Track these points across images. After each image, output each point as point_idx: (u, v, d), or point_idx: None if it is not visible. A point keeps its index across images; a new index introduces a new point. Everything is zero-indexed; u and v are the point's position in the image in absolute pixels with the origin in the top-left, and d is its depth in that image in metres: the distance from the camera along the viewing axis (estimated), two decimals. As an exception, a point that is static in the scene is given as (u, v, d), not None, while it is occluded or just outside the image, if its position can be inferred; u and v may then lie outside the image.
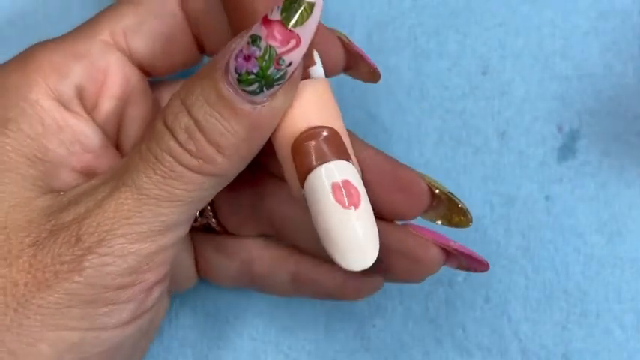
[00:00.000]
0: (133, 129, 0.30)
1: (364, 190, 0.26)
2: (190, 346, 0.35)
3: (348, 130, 0.29)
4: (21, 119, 0.27)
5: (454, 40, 0.35)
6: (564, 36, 0.35)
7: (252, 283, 0.32)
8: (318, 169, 0.26)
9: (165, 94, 0.32)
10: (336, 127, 0.27)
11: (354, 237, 0.26)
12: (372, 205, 0.27)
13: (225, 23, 0.28)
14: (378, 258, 0.27)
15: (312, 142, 0.26)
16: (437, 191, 0.29)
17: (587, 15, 0.35)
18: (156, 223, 0.26)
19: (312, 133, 0.26)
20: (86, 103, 0.28)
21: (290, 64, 0.24)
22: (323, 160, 0.26)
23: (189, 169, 0.25)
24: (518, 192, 0.35)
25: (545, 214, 0.34)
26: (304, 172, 0.26)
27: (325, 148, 0.26)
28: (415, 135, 0.35)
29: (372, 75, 0.30)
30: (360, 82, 0.34)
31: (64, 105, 0.28)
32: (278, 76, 0.25)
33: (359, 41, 0.30)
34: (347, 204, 0.26)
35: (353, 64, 0.30)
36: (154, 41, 0.29)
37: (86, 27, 0.29)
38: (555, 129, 0.35)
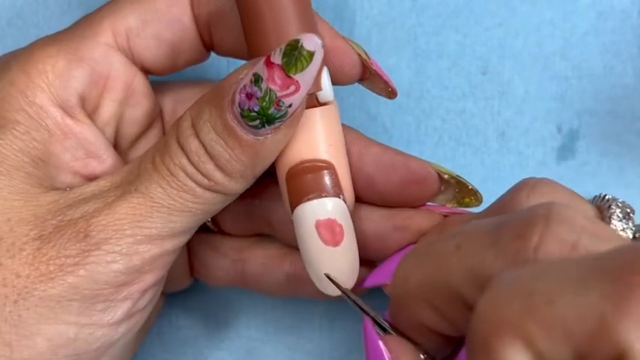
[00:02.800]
0: (130, 130, 0.30)
1: (350, 223, 0.28)
2: (190, 346, 0.35)
3: (352, 128, 0.29)
4: (28, 123, 0.27)
5: (454, 40, 0.35)
6: (564, 36, 0.35)
7: (246, 283, 0.33)
8: (304, 205, 0.27)
9: (168, 99, 0.32)
10: (333, 158, 0.27)
11: (331, 271, 0.27)
12: (384, 196, 0.29)
13: (239, 25, 0.28)
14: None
15: (303, 178, 0.27)
16: (445, 176, 0.30)
17: (587, 15, 0.35)
18: (165, 228, 0.27)
19: (303, 168, 0.27)
20: (87, 108, 0.29)
21: (290, 106, 0.25)
22: (310, 196, 0.27)
23: (200, 186, 0.26)
24: (518, 192, 0.35)
25: (544, 214, 0.34)
26: (294, 204, 0.27)
27: (314, 184, 0.27)
28: (415, 135, 0.35)
29: (388, 92, 0.30)
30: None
31: (67, 111, 0.28)
32: (279, 115, 0.25)
33: (359, 41, 0.30)
34: (328, 242, 0.27)
35: (368, 77, 0.30)
36: (158, 45, 0.29)
37: (88, 25, 0.29)
38: (555, 129, 0.35)
